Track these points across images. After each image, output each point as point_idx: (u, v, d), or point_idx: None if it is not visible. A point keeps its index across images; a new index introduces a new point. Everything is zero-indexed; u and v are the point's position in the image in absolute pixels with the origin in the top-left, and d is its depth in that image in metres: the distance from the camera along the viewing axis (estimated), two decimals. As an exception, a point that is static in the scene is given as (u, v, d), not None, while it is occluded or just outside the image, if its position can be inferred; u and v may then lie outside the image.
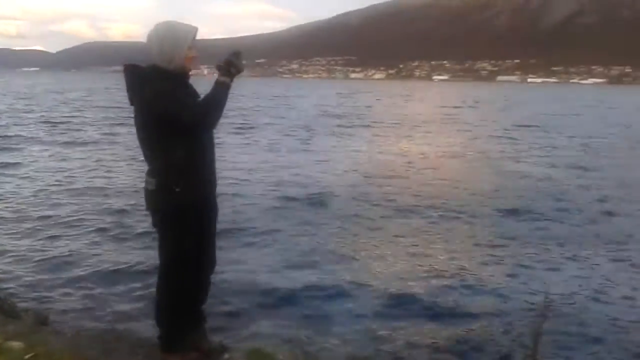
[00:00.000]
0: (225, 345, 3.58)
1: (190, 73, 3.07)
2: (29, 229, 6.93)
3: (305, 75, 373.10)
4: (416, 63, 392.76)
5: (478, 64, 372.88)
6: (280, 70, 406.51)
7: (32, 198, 8.71)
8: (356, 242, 6.62)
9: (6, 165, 11.86)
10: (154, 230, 3.23)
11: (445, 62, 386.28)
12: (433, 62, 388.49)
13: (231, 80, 2.98)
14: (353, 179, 10.96)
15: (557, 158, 15.06)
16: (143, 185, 3.09)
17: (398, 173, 11.86)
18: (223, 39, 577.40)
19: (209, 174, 3.14)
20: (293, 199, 9.05)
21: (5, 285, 5.14)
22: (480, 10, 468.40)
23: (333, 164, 13.04)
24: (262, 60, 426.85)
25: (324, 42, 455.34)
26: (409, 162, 13.68)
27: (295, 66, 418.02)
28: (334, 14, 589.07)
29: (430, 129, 23.64)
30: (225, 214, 7.65)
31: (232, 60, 2.97)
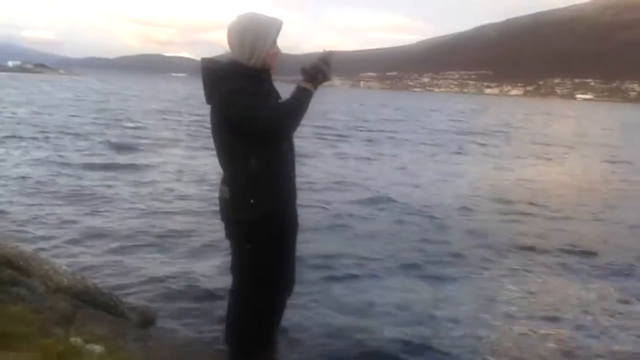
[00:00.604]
0: None
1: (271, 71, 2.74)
2: (152, 237, 6.83)
3: (436, 89, 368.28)
4: (557, 80, 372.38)
5: (626, 84, 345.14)
6: (411, 83, 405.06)
7: (156, 198, 8.84)
8: (467, 287, 5.60)
9: (139, 167, 12.29)
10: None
11: (589, 80, 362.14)
12: (576, 80, 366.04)
13: (315, 88, 2.63)
14: (477, 204, 9.88)
15: None
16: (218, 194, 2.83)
17: (529, 202, 10.45)
18: (354, 52, 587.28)
19: (288, 185, 2.84)
20: (408, 220, 8.31)
21: (120, 281, 5.16)
22: (630, 27, 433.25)
23: (459, 185, 12.07)
24: (393, 73, 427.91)
25: (458, 56, 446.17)
26: (544, 190, 12.26)
27: (426, 79, 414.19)
28: (469, 27, 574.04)
29: (573, 152, 21.69)
30: (333, 238, 7.11)
31: (320, 65, 2.62)
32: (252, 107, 2.53)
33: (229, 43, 2.67)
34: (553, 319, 4.90)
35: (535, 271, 6.22)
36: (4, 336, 3.21)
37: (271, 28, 2.64)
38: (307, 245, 6.37)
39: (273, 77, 2.79)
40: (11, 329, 3.31)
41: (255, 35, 2.60)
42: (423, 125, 32.18)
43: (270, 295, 2.92)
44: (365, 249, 6.70)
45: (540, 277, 6.05)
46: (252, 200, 2.68)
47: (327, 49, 2.72)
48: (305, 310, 4.62)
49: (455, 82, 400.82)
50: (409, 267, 6.08)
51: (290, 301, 3.27)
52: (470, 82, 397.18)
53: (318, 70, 2.63)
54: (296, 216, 3.00)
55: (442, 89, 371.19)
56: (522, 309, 5.11)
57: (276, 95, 2.75)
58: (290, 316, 3.78)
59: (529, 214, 9.31)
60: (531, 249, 7.13)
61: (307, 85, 2.62)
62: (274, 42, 2.67)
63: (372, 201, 9.68)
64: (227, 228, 2.87)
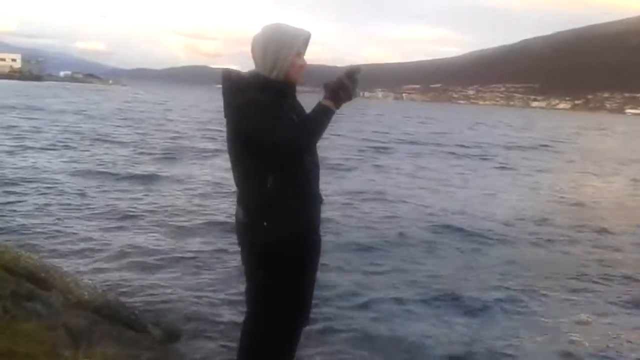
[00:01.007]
0: None
1: (297, 84, 2.56)
2: (184, 254, 6.62)
3: (481, 102, 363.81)
4: (607, 94, 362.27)
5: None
6: (456, 95, 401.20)
7: (192, 212, 8.68)
8: (510, 320, 5.11)
9: (178, 178, 12.22)
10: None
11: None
12: (626, 94, 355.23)
13: (337, 106, 2.46)
14: (521, 225, 9.30)
15: None
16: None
17: (577, 223, 9.79)
18: (397, 64, 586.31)
19: (309, 207, 2.58)
20: (446, 242, 7.85)
21: (146, 298, 5.03)
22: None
23: (502, 203, 11.46)
24: (436, 85, 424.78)
25: (504, 69, 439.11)
26: (594, 209, 11.55)
27: (471, 92, 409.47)
28: (515, 40, 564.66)
29: (624, 168, 20.68)
30: (362, 259, 6.70)
31: (343, 81, 2.44)
32: (267, 120, 2.36)
33: (253, 55, 2.53)
34: (603, 355, 4.49)
35: (584, 302, 5.74)
36: (12, 355, 3.07)
37: (296, 39, 2.48)
38: (333, 266, 6.10)
39: (308, 90, 2.59)
40: (20, 348, 3.18)
41: (278, 46, 2.44)
42: (467, 139, 31.45)
43: (283, 328, 2.69)
44: (397, 273, 6.30)
45: (590, 309, 5.57)
46: (265, 223, 2.49)
47: (354, 64, 2.57)
48: (325, 341, 4.25)
49: (501, 95, 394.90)
50: (446, 297, 5.61)
51: (310, 328, 2.97)
52: (517, 95, 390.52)
53: (341, 87, 2.45)
54: (319, 241, 2.72)
55: (487, 102, 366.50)
56: (571, 346, 4.65)
57: (300, 110, 2.58)
58: (309, 345, 3.45)
59: (577, 237, 8.75)
60: (579, 276, 6.60)
61: (328, 103, 2.46)
62: (299, 53, 2.50)
63: (409, 218, 9.26)
64: (241, 252, 2.69)
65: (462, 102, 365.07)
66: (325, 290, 5.14)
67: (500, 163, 19.50)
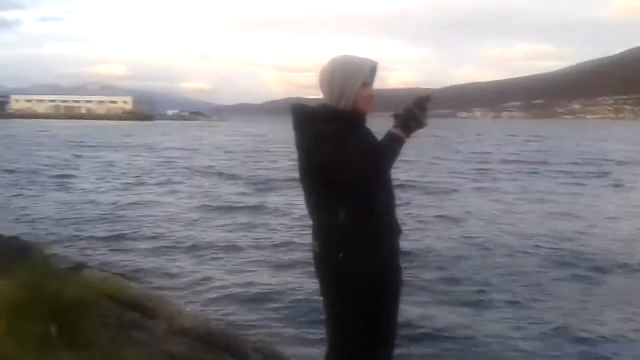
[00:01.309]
0: None
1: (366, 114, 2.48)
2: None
3: (588, 116, 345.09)
4: None
5: None
6: (560, 110, 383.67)
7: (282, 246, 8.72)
8: None
9: (272, 209, 12.42)
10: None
11: None
12: None
13: (407, 135, 2.42)
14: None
15: None
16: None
17: None
18: (495, 82, 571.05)
19: (385, 238, 2.47)
20: (558, 275, 7.12)
21: (244, 329, 5.08)
22: None
23: (619, 229, 10.45)
24: (539, 101, 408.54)
25: (610, 80, 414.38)
26: None
27: (577, 106, 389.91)
28: (617, 51, 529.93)
29: None
30: (456, 296, 6.21)
31: (413, 111, 2.40)
32: (336, 152, 2.32)
33: (320, 86, 2.51)
34: None
35: None
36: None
37: (362, 68, 2.44)
38: (429, 299, 5.90)
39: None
40: (122, 375, 3.23)
41: (344, 76, 2.42)
42: (577, 155, 29.69)
43: None
44: (503, 306, 5.87)
45: None
46: (340, 255, 2.40)
47: (425, 93, 2.54)
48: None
49: (609, 108, 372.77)
50: (560, 333, 5.14)
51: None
52: (627, 107, 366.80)
53: (411, 117, 2.41)
54: (399, 272, 2.57)
55: (595, 115, 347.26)
56: None
57: (371, 139, 2.52)
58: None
59: None
60: None
61: (398, 132, 2.43)
62: (366, 83, 2.45)
63: (514, 245, 8.65)
64: (319, 284, 2.58)
65: (567, 117, 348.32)
66: (421, 325, 4.94)
67: (615, 180, 18.21)
